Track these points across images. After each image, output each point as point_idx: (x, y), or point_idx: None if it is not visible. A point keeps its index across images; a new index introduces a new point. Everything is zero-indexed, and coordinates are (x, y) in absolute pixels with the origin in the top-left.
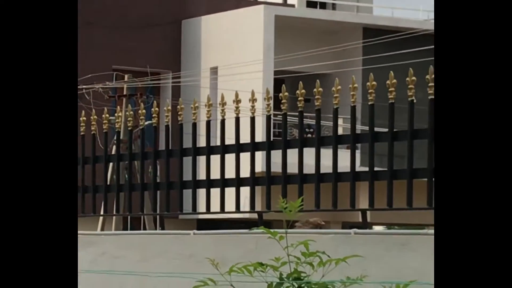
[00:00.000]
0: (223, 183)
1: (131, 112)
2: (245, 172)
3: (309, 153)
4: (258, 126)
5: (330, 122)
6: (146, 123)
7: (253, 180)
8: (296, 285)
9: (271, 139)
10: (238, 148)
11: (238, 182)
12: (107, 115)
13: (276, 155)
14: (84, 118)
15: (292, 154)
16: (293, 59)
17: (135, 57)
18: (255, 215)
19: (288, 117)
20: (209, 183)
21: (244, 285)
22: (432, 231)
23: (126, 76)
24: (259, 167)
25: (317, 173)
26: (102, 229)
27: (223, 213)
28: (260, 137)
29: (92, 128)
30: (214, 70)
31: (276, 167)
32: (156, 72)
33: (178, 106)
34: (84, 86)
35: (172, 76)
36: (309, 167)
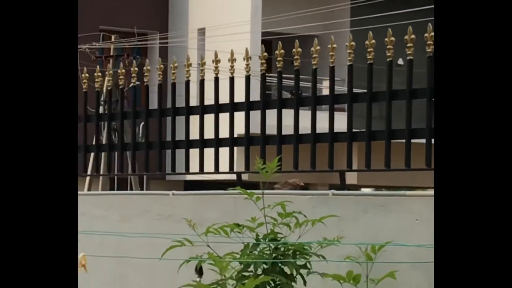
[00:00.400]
0: (202, 143)
1: (111, 72)
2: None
3: (290, 115)
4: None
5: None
6: (131, 85)
7: (232, 141)
8: (273, 246)
9: (250, 100)
10: (217, 108)
11: (217, 142)
12: (86, 75)
13: (258, 116)
14: None
15: (274, 115)
16: (281, 21)
17: (123, 18)
18: (246, 177)
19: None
20: (188, 144)
21: (220, 246)
22: (410, 192)
23: (113, 37)
24: (242, 128)
25: (295, 134)
26: (89, 189)
27: (202, 174)
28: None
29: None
30: (201, 31)
31: (258, 129)
32: (143, 33)
33: (157, 66)
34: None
35: (160, 37)
36: (291, 128)
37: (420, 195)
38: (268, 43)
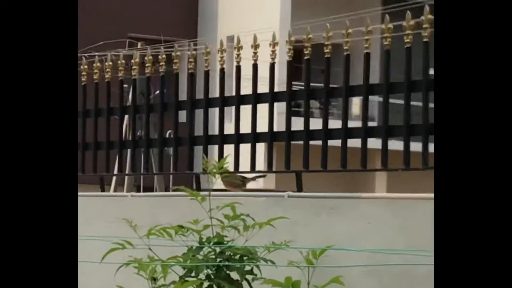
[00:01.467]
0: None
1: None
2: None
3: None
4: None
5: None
6: (156, 92)
7: (254, 137)
8: (218, 250)
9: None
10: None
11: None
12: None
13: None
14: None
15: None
16: (311, 28)
17: (151, 25)
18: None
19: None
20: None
21: (164, 249)
22: (366, 194)
23: (139, 44)
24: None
25: (253, 133)
26: (115, 190)
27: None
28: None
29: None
30: (230, 38)
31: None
32: (172, 40)
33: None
34: (96, 54)
35: (188, 44)
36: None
37: (375, 197)
38: (296, 51)
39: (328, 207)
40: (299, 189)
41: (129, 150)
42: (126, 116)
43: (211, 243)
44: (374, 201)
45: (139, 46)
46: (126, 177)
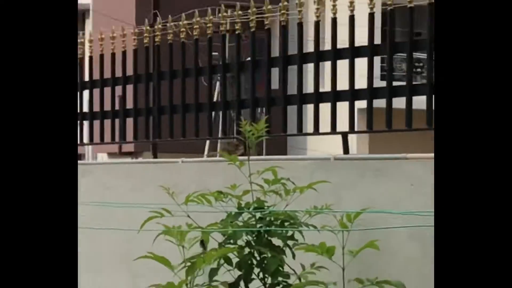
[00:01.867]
0: (318, 98)
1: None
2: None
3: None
4: None
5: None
6: (247, 59)
7: (353, 94)
8: (258, 216)
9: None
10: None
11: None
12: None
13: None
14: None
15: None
16: None
17: None
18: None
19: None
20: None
21: (207, 215)
22: (412, 155)
23: (229, 11)
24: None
25: (299, 93)
26: (209, 156)
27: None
28: None
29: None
30: (322, 2)
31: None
32: (261, 7)
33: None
34: (186, 22)
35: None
36: None
37: (421, 158)
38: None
39: (373, 169)
40: (346, 151)
41: (220, 114)
42: (218, 84)
43: (251, 209)
44: (419, 162)
45: (228, 13)
46: (219, 142)
